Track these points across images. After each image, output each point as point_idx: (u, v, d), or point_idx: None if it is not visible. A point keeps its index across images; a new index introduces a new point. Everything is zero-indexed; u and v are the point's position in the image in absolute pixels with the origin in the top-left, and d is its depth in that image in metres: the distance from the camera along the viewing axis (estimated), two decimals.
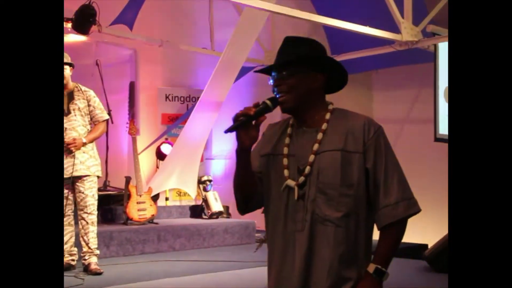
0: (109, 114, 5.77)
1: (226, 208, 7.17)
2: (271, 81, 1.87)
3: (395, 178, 1.79)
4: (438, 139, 6.55)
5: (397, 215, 1.77)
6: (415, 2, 6.34)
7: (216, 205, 6.93)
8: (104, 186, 6.46)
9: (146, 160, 7.09)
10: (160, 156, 7.02)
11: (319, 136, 1.81)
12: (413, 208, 1.79)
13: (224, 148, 8.01)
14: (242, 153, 1.79)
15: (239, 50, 6.14)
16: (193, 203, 7.19)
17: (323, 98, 1.89)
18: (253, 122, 1.78)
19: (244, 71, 6.98)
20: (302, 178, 1.79)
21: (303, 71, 1.82)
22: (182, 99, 7.53)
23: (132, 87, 7.04)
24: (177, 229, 6.05)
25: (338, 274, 1.75)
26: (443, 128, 6.72)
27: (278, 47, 1.90)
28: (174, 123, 7.31)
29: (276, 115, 2.06)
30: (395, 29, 6.27)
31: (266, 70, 1.90)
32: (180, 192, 7.31)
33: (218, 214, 6.89)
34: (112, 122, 6.43)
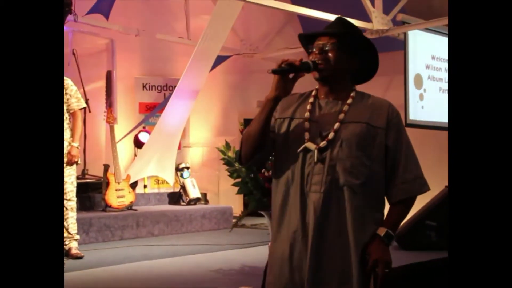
0: (86, 103, 5.84)
1: (204, 194, 7.30)
2: (312, 49, 1.97)
3: (413, 158, 1.94)
4: (408, 124, 6.76)
5: (413, 192, 1.93)
6: None
7: (193, 192, 7.06)
8: (82, 174, 6.53)
9: (124, 148, 7.19)
10: (138, 144, 7.11)
11: (345, 108, 1.93)
12: (426, 187, 1.95)
13: (202, 136, 8.14)
14: (272, 101, 1.89)
15: (214, 39, 6.25)
16: (171, 190, 7.31)
17: (350, 81, 2.01)
18: (291, 76, 1.89)
19: (219, 59, 7.11)
20: (324, 143, 1.88)
21: (347, 49, 1.94)
22: (159, 88, 7.62)
23: (109, 76, 7.10)
24: (156, 215, 6.17)
25: (349, 238, 1.86)
26: (413, 114, 6.94)
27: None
28: (151, 111, 7.40)
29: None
30: (366, 18, 6.45)
31: (314, 35, 2.00)
32: (159, 180, 7.42)
33: (196, 201, 7.02)
34: (90, 111, 6.50)
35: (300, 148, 1.91)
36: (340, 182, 1.87)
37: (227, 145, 4.47)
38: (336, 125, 1.89)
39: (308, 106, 1.97)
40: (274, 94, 1.88)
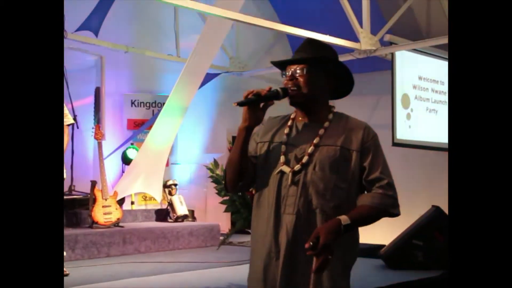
0: (74, 119, 5.83)
1: (192, 212, 7.28)
2: (285, 74, 2.00)
3: (390, 179, 1.94)
4: (395, 143, 6.81)
5: (388, 206, 1.91)
6: (373, 13, 6.61)
7: (181, 209, 7.03)
8: (69, 190, 6.49)
9: (112, 165, 7.15)
10: (126, 161, 7.09)
11: (321, 131, 1.95)
12: (398, 210, 1.93)
13: (190, 153, 8.13)
14: (244, 131, 1.94)
15: (204, 56, 6.29)
16: (158, 207, 7.27)
17: (328, 101, 2.05)
18: (261, 105, 1.93)
19: (208, 77, 7.14)
20: (298, 166, 1.92)
21: (317, 71, 1.97)
22: (148, 104, 7.62)
23: (97, 93, 7.10)
24: (143, 232, 6.12)
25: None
26: (400, 133, 7.00)
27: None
28: (140, 128, 7.39)
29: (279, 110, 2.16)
30: (354, 38, 6.53)
31: (283, 63, 2.03)
32: (146, 197, 7.39)
33: (183, 218, 6.99)
34: (78, 127, 6.49)
35: (276, 171, 1.95)
36: (313, 204, 1.89)
37: (215, 163, 4.49)
38: (310, 148, 1.93)
39: (286, 130, 2.01)
40: (244, 124, 1.94)
